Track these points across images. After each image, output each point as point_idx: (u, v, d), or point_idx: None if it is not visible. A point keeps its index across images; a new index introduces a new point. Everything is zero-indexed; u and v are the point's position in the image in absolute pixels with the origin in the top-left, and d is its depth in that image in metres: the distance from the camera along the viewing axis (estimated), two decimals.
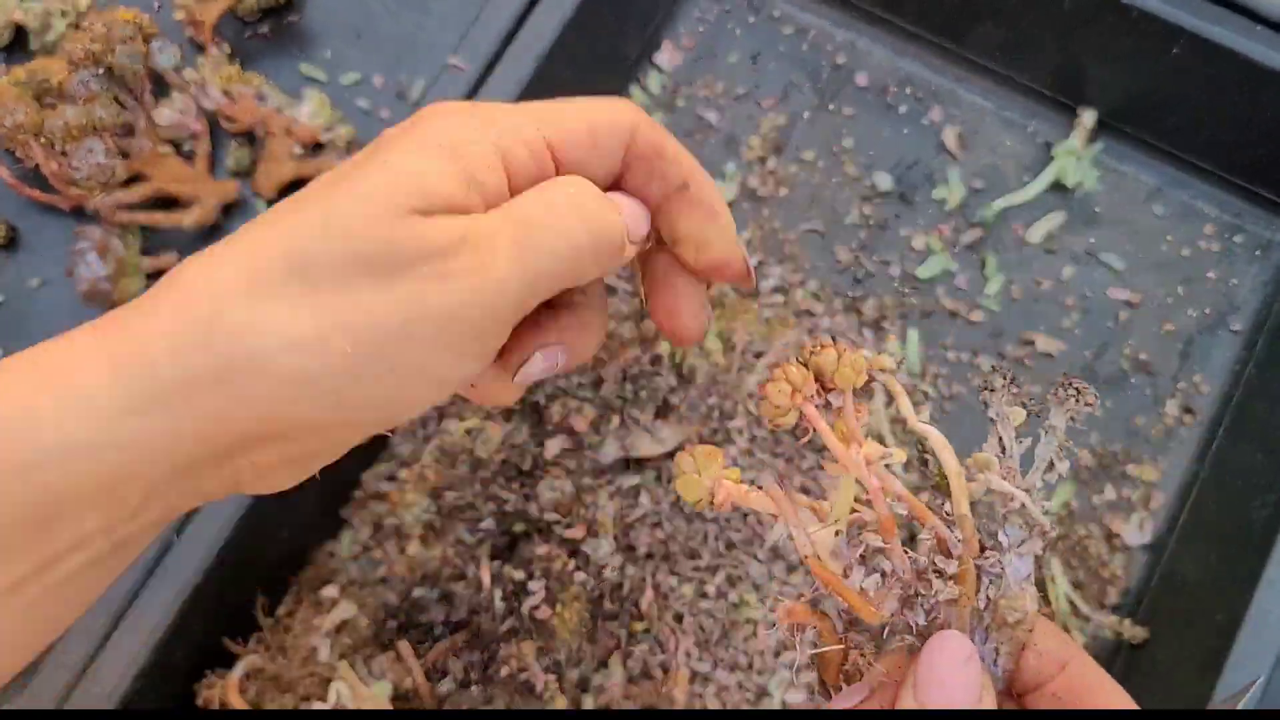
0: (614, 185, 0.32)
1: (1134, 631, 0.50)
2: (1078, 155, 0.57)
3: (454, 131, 0.27)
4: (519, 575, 0.51)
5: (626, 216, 0.30)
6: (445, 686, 0.50)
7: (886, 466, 0.27)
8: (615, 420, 0.52)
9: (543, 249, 0.27)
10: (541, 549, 0.51)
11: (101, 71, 0.55)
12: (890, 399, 0.54)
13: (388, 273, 0.25)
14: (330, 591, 0.51)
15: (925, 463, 0.28)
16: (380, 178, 0.26)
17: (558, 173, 0.29)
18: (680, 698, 0.49)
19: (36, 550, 0.24)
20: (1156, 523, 0.53)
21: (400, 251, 0.25)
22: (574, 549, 0.51)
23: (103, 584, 0.27)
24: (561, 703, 0.50)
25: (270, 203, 0.58)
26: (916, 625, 0.27)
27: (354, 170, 0.27)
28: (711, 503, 0.28)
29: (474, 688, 0.51)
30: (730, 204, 0.58)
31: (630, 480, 0.52)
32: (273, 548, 0.51)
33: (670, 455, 0.53)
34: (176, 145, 0.59)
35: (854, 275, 0.57)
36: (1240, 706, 0.27)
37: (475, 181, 0.27)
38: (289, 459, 0.28)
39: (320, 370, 0.25)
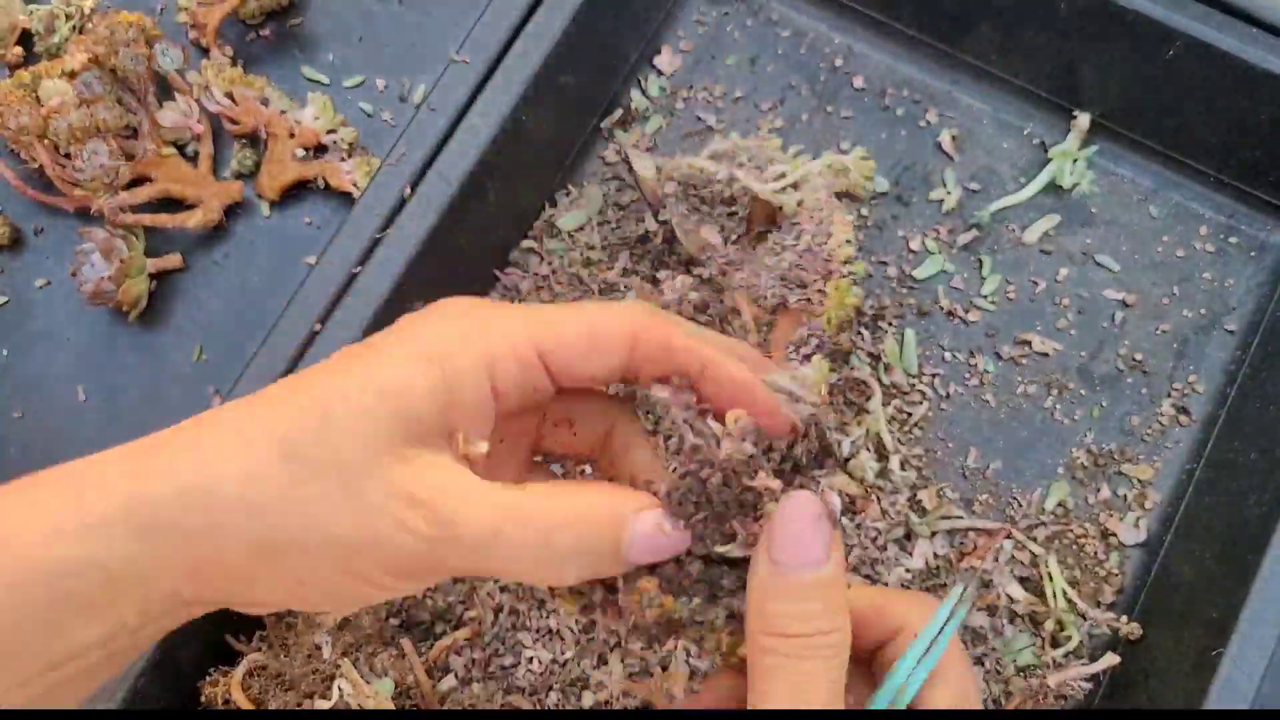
0: (629, 379, 0.32)
1: (1130, 629, 0.51)
2: (1073, 157, 0.57)
3: (443, 342, 0.29)
4: None
5: (638, 537, 0.30)
6: (447, 683, 0.51)
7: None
8: None
9: (518, 568, 0.29)
10: None
11: (105, 74, 0.56)
12: (887, 398, 0.55)
13: (363, 495, 0.28)
14: None
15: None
16: (370, 393, 0.28)
17: (550, 378, 0.30)
18: (678, 694, 0.50)
19: (43, 654, 0.28)
20: (1152, 521, 0.53)
21: (377, 486, 0.28)
22: None
23: (97, 684, 0.30)
24: (561, 700, 0.50)
25: (273, 204, 0.59)
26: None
27: (349, 364, 0.29)
28: None
29: (475, 685, 0.51)
30: None
31: None
32: None
33: None
34: (180, 147, 0.59)
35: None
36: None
37: (455, 399, 0.29)
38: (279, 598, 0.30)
39: (287, 543, 0.28)
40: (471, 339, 0.29)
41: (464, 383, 0.29)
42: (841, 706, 0.29)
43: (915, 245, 0.57)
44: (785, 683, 0.28)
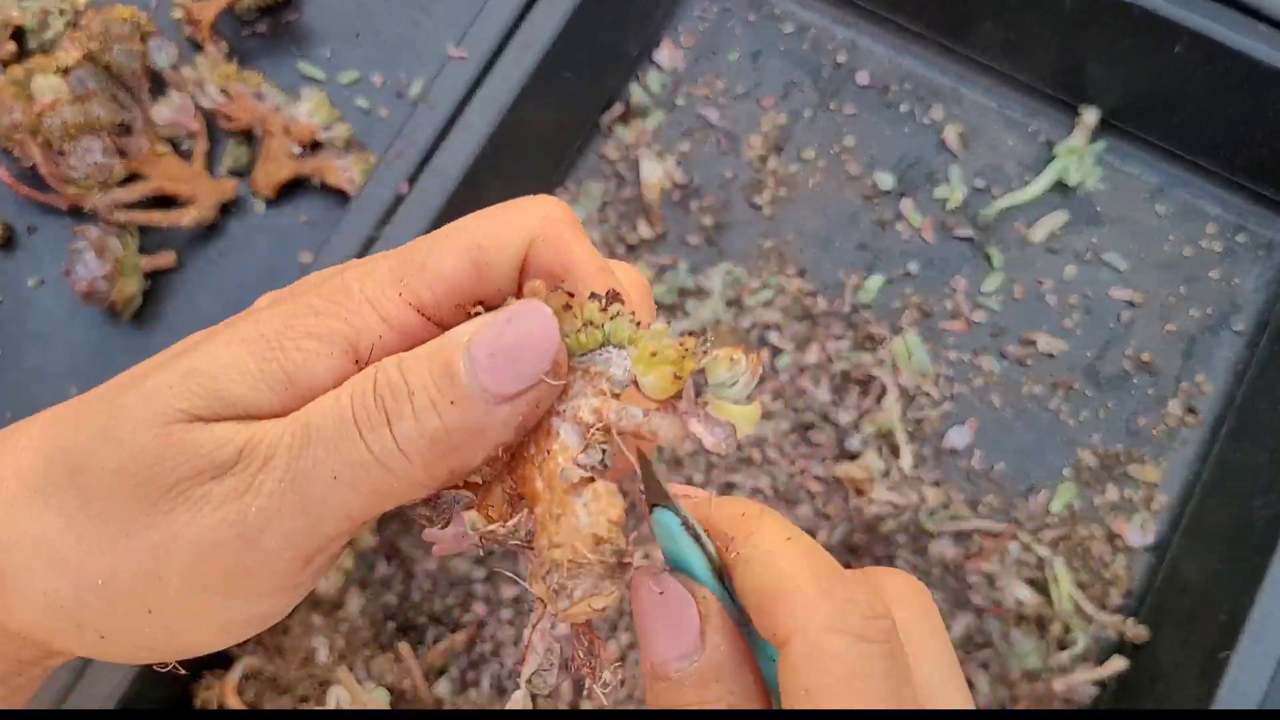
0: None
1: (1136, 631, 0.50)
2: (1080, 154, 0.57)
3: (288, 319, 0.23)
4: (519, 574, 0.51)
5: (485, 378, 0.22)
6: (443, 687, 0.50)
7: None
8: None
9: (323, 469, 0.21)
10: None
11: (99, 70, 0.55)
12: (904, 398, 0.54)
13: (149, 494, 0.22)
14: (329, 593, 0.51)
15: None
16: (171, 374, 0.22)
17: (437, 325, 0.24)
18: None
19: None
20: (1159, 523, 0.53)
21: (163, 468, 0.21)
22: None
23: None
24: (560, 701, 0.50)
25: (269, 202, 0.58)
26: None
27: (165, 360, 0.23)
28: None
29: (471, 689, 0.50)
30: (729, 205, 0.58)
31: None
32: None
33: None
34: (174, 144, 0.59)
35: (855, 274, 0.57)
36: None
37: (293, 381, 0.22)
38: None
39: (74, 602, 0.22)
40: (325, 315, 0.22)
41: (303, 367, 0.22)
42: None
43: (919, 243, 0.57)
44: None
